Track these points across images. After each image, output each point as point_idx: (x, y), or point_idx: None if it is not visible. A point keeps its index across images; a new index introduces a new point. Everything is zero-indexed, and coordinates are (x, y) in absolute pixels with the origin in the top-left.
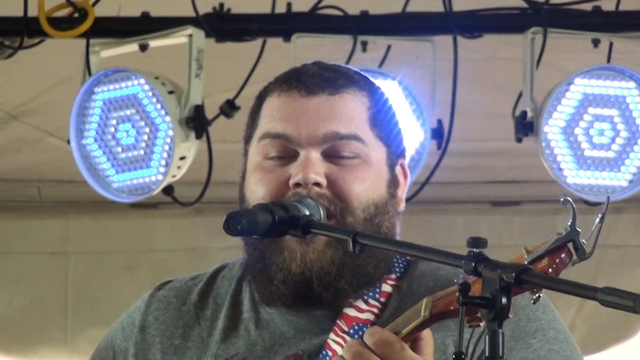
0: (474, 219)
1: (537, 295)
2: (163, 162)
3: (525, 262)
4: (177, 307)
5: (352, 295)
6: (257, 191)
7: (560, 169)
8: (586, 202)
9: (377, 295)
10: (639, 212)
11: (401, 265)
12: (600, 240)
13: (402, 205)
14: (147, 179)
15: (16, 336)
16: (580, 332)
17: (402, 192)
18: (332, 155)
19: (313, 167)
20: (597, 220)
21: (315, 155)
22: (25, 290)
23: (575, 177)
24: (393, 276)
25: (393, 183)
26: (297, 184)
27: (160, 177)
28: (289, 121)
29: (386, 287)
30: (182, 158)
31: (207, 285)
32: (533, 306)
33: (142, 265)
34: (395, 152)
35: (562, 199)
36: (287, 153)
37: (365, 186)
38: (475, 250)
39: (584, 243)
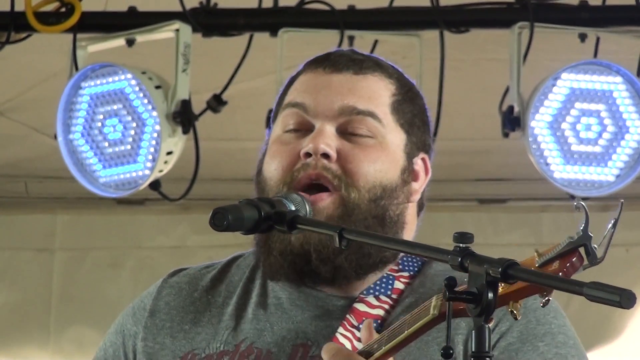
0: (461, 216)
1: (546, 298)
2: (150, 157)
3: (537, 265)
4: (189, 293)
5: (352, 274)
6: (271, 163)
7: (547, 164)
8: (573, 197)
9: (389, 292)
10: (625, 210)
11: (415, 263)
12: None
13: (416, 197)
14: (134, 174)
15: None
16: None
17: (421, 186)
18: (346, 132)
19: (324, 139)
20: (610, 225)
21: (329, 128)
22: (9, 286)
23: (562, 172)
24: (406, 274)
25: (409, 171)
26: (307, 154)
27: (147, 172)
28: (309, 92)
29: (398, 284)
30: (169, 153)
31: (221, 273)
32: (544, 310)
33: (127, 263)
34: (415, 143)
35: (574, 203)
36: (304, 126)
37: (375, 167)
38: (461, 245)
39: (595, 248)
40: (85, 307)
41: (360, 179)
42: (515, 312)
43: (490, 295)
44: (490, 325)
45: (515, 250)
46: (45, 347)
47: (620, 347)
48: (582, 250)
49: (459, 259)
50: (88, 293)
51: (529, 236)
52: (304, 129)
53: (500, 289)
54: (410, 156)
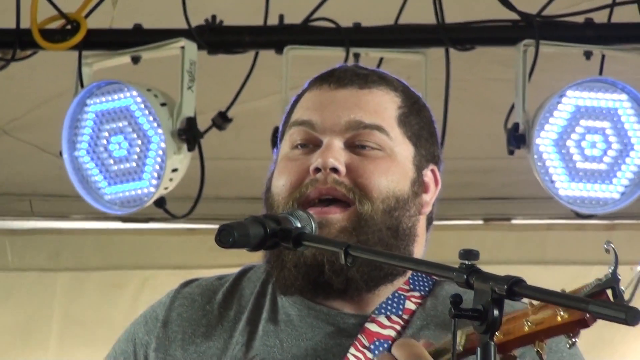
0: (466, 234)
1: (572, 340)
2: (155, 174)
3: None
4: (202, 305)
5: (363, 286)
6: (279, 179)
7: (552, 181)
8: (578, 215)
9: (400, 312)
10: (631, 229)
11: (426, 283)
12: (593, 258)
13: (427, 209)
14: (139, 191)
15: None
16: None
17: (431, 198)
18: (354, 145)
19: (333, 153)
20: (639, 268)
21: (337, 143)
22: (12, 307)
23: (567, 189)
24: (417, 294)
25: (419, 183)
26: (317, 169)
27: (152, 189)
28: (315, 109)
29: (410, 305)
30: (174, 170)
31: (233, 286)
32: (558, 339)
33: (131, 283)
34: (424, 155)
35: (604, 245)
36: (312, 142)
37: (386, 178)
38: (467, 262)
39: (623, 291)
40: (87, 327)
41: (374, 190)
42: (540, 351)
43: (496, 312)
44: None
45: (520, 269)
46: None
47: None
48: (609, 291)
49: (465, 276)
50: (90, 314)
51: (534, 255)
52: (311, 145)
53: (526, 328)
54: (419, 168)
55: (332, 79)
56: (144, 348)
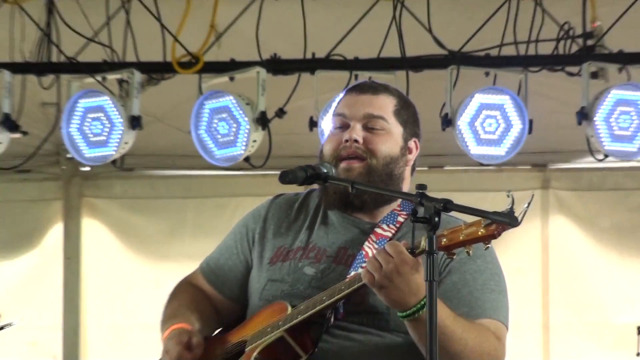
0: (419, 177)
1: (487, 246)
2: (244, 144)
3: (482, 225)
4: (285, 210)
5: (372, 205)
6: (327, 146)
7: (467, 146)
8: (481, 164)
9: (395, 223)
10: (511, 172)
11: (410, 207)
12: (489, 188)
13: (410, 163)
14: (235, 153)
15: (156, 252)
16: None
17: (413, 157)
18: (368, 128)
19: (355, 132)
20: (525, 206)
21: (358, 126)
22: (159, 223)
23: (475, 150)
24: (405, 213)
25: (405, 148)
26: (346, 140)
27: (242, 151)
28: (346, 107)
29: (400, 219)
30: (255, 141)
31: (303, 200)
32: (482, 246)
33: (230, 205)
34: (409, 132)
35: (506, 193)
36: (345, 125)
37: (385, 146)
38: (420, 191)
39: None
40: (207, 232)
41: (378, 152)
42: (469, 251)
43: (437, 219)
44: (454, 258)
45: (450, 195)
46: (181, 259)
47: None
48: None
49: (419, 199)
50: (209, 224)
51: (457, 186)
52: (345, 127)
53: (461, 238)
54: (406, 140)
55: (358, 89)
56: (252, 232)
